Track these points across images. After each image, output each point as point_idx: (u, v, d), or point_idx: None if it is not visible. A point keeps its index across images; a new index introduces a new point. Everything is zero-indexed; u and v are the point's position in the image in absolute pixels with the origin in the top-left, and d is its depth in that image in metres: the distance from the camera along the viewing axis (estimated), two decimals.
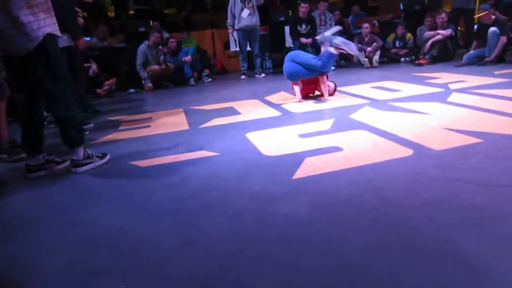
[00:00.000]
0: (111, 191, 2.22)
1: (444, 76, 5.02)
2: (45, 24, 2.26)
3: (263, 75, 6.98)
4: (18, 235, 1.79)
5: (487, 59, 5.65)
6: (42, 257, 1.58)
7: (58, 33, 2.37)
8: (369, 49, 6.82)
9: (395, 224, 1.58)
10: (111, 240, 1.66)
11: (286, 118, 3.57)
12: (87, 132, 3.51)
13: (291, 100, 4.37)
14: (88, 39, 6.04)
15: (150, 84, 6.29)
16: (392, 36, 7.39)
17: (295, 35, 6.95)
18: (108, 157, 2.67)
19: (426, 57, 6.46)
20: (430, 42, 6.47)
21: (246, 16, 6.57)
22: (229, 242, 1.57)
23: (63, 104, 2.40)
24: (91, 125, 3.73)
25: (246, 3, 6.58)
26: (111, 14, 11.82)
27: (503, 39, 5.55)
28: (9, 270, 1.51)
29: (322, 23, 7.50)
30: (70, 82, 2.46)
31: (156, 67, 6.29)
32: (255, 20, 6.63)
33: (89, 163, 2.54)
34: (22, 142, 2.61)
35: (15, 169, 2.73)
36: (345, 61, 7.59)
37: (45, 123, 3.79)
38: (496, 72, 4.90)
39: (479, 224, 1.52)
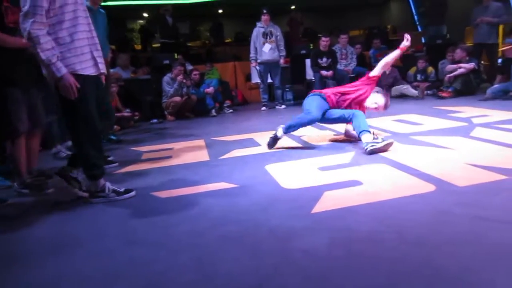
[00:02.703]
0: (132, 222, 2.25)
1: (468, 110, 4.95)
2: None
3: (283, 106, 7.06)
4: (38, 266, 1.81)
5: (511, 93, 5.56)
6: None
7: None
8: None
9: (417, 263, 1.53)
10: (131, 272, 1.67)
11: (306, 150, 3.57)
12: (115, 164, 3.57)
13: (312, 132, 4.38)
14: (113, 70, 6.28)
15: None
16: (413, 69, 7.41)
17: (316, 68, 7.05)
18: (131, 194, 2.64)
19: (449, 90, 6.41)
20: (452, 74, 6.45)
21: (267, 51, 6.74)
22: (247, 277, 1.55)
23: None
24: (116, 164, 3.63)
25: (268, 38, 6.75)
26: (138, 47, 12.36)
27: None
28: None
29: (343, 56, 7.60)
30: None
31: (178, 98, 6.45)
32: (276, 54, 6.79)
33: (100, 196, 2.57)
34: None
35: (38, 200, 2.80)
36: None
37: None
38: None
39: (508, 267, 1.46)
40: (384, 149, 3.17)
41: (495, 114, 4.49)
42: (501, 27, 7.38)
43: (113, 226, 2.22)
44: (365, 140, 3.23)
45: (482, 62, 7.34)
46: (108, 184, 2.60)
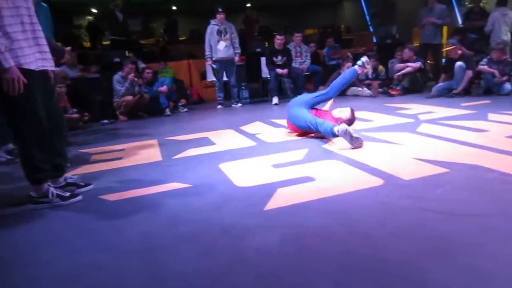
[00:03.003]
0: (80, 228, 2.14)
1: (415, 107, 5.18)
2: None
3: (239, 104, 7.04)
4: None
5: (454, 91, 5.88)
6: None
7: None
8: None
9: (366, 256, 1.57)
10: (83, 278, 1.60)
11: (261, 148, 3.58)
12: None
13: (267, 130, 4.40)
14: (59, 68, 5.95)
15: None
16: None
17: (271, 66, 7.09)
18: (77, 198, 2.52)
19: (398, 88, 6.68)
20: (400, 73, 6.73)
21: (222, 48, 6.69)
22: (199, 278, 1.52)
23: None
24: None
25: (222, 35, 6.70)
26: (87, 44, 11.85)
27: (469, 73, 5.81)
28: None
29: (298, 54, 7.70)
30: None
31: (130, 98, 6.25)
32: (231, 52, 6.75)
33: (44, 202, 2.43)
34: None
35: None
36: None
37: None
38: (463, 104, 5.09)
39: (446, 254, 1.53)
40: (354, 141, 3.21)
41: (440, 111, 4.73)
42: (445, 29, 7.80)
43: (61, 232, 2.10)
44: (337, 128, 3.29)
45: (428, 61, 7.72)
46: (52, 189, 2.46)
